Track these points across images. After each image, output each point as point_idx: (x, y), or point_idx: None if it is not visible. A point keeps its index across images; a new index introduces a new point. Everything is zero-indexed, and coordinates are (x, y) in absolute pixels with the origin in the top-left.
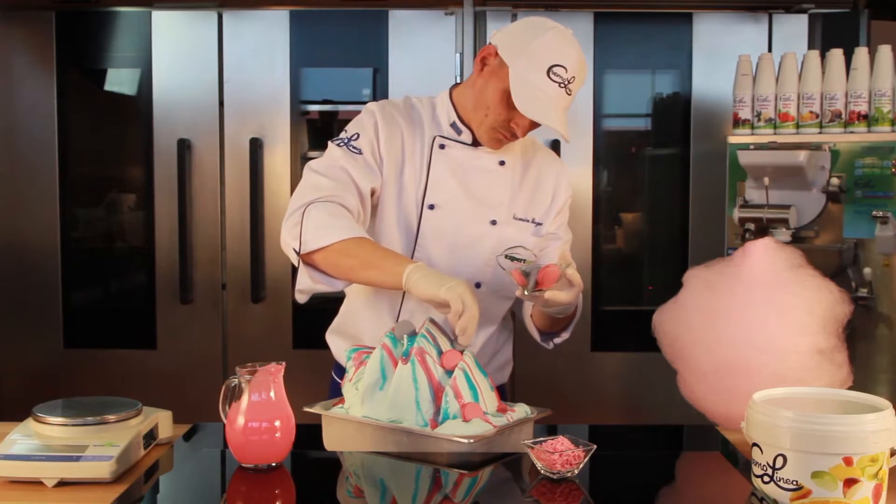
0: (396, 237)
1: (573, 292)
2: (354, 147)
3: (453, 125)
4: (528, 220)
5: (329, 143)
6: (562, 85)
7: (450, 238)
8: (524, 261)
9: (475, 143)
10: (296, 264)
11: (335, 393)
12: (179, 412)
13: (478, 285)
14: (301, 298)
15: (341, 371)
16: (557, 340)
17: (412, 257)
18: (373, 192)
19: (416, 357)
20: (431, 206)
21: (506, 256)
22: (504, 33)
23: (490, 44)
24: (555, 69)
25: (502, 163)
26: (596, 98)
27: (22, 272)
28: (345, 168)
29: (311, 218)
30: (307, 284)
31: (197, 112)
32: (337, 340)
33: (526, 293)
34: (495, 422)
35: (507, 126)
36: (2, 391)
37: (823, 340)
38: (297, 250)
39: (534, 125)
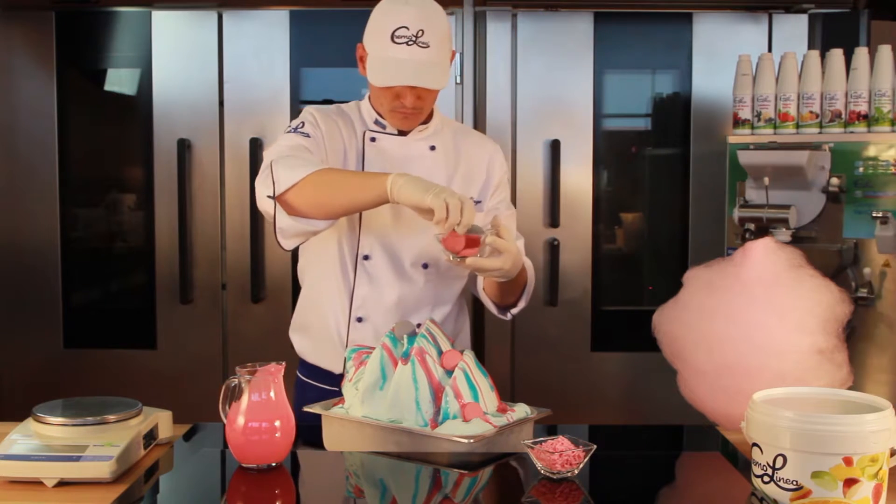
0: (340, 228)
1: (500, 259)
2: (303, 132)
3: (376, 121)
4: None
5: (282, 133)
6: (410, 42)
7: (392, 224)
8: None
9: (402, 132)
10: (272, 212)
11: (301, 391)
12: (179, 412)
13: (425, 266)
14: (288, 244)
15: (305, 369)
16: (514, 311)
17: (357, 247)
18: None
19: (416, 357)
20: None
21: None
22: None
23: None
24: (397, 32)
25: (433, 148)
26: (596, 98)
27: (22, 272)
28: (300, 143)
29: (280, 164)
30: (288, 223)
31: (197, 112)
32: (298, 337)
33: (451, 258)
34: (495, 422)
35: (399, 103)
36: (2, 391)
37: (823, 340)
38: (272, 194)
39: (425, 91)
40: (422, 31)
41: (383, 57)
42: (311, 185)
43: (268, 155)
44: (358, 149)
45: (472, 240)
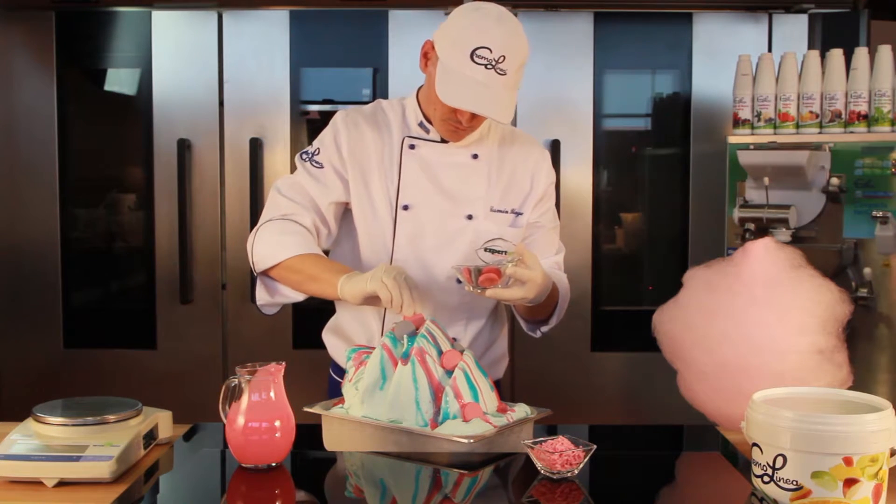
0: (374, 241)
1: (524, 288)
2: (317, 162)
3: (421, 124)
4: (506, 212)
5: (297, 157)
6: (489, 66)
7: (427, 237)
8: (505, 252)
9: (445, 139)
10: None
11: (334, 392)
12: (179, 412)
13: (459, 281)
14: (267, 311)
15: (339, 370)
16: (545, 329)
17: (391, 260)
18: (339, 203)
19: (416, 357)
20: (406, 207)
21: (485, 249)
22: (440, 26)
23: (430, 39)
24: (478, 52)
25: (475, 156)
26: (596, 98)
27: (22, 272)
28: (304, 186)
29: (262, 239)
30: (265, 298)
31: (197, 112)
32: (332, 339)
33: (471, 289)
34: (495, 422)
35: (454, 117)
36: (2, 391)
37: (823, 340)
38: (253, 271)
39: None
40: (504, 56)
41: (457, 73)
42: (284, 269)
43: (271, 196)
44: (393, 156)
45: (493, 271)
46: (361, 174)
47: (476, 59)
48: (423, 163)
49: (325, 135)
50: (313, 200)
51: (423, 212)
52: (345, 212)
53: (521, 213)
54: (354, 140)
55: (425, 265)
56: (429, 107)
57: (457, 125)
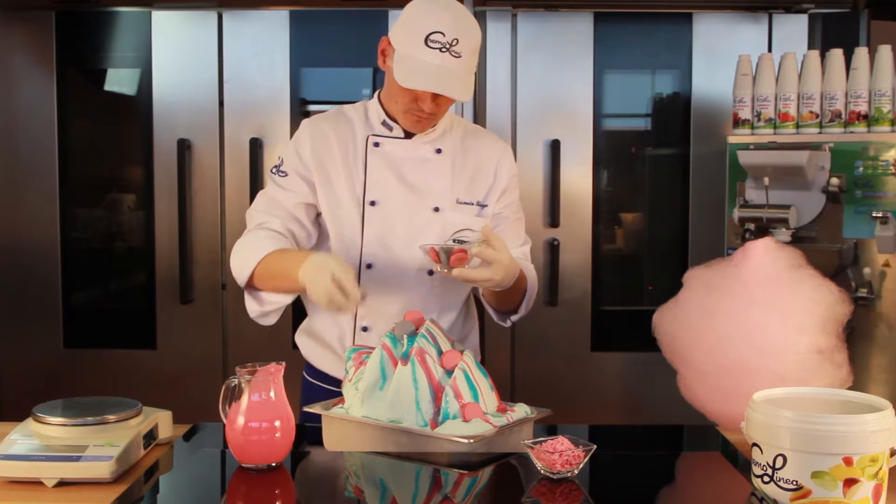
0: (344, 239)
1: (490, 270)
2: (282, 172)
3: (384, 123)
4: (472, 203)
5: (268, 173)
6: (443, 49)
7: (396, 231)
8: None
9: (408, 135)
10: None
11: (309, 394)
12: (179, 412)
13: (430, 272)
14: (264, 322)
15: (312, 372)
16: (514, 318)
17: (360, 255)
18: (308, 205)
19: (416, 357)
20: (373, 203)
21: (454, 241)
22: (394, 23)
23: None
24: (432, 36)
25: (439, 151)
26: (596, 98)
27: (22, 272)
28: (272, 196)
29: (235, 254)
30: (255, 309)
31: (197, 112)
32: (305, 340)
33: (439, 270)
34: (495, 422)
35: (416, 105)
36: (2, 391)
37: (823, 340)
38: (241, 285)
39: (445, 98)
40: (456, 39)
41: (414, 58)
42: (260, 277)
43: (247, 215)
44: (359, 155)
45: (460, 251)
46: (326, 175)
47: (430, 44)
48: (387, 159)
49: (289, 146)
50: (281, 205)
51: (390, 206)
52: (318, 215)
53: (485, 205)
54: (318, 144)
55: (395, 259)
56: (390, 102)
57: (419, 114)
